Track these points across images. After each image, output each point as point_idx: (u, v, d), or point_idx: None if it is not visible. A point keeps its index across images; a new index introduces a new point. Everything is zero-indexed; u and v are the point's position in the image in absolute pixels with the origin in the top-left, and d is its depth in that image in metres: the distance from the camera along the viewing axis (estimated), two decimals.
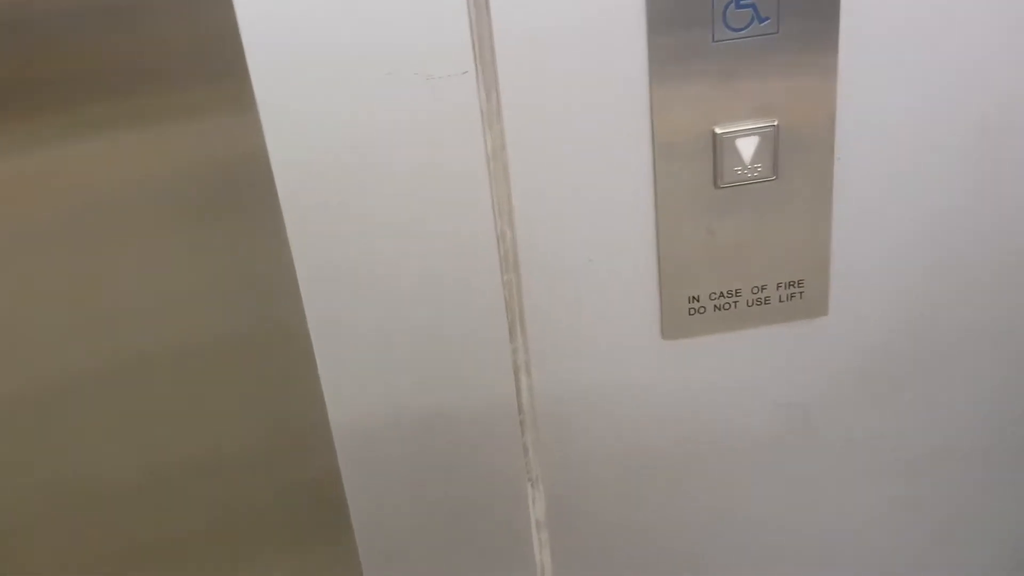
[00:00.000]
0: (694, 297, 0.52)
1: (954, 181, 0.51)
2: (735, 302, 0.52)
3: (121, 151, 0.45)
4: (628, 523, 0.58)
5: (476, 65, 0.44)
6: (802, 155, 0.48)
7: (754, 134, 0.47)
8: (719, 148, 0.48)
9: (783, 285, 0.52)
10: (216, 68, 0.44)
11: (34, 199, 0.46)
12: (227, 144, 0.46)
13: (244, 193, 0.47)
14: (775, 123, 0.47)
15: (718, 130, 0.47)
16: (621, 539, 0.58)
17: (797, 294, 0.52)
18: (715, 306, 0.52)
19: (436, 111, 0.45)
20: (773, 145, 0.48)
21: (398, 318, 0.49)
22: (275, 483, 0.54)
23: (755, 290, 0.52)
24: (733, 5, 0.45)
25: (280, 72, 0.43)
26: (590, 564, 0.59)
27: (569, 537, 0.57)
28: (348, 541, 0.55)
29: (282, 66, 0.43)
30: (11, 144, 0.44)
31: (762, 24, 0.45)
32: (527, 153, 0.47)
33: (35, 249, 0.47)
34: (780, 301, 0.52)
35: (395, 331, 0.50)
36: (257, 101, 0.43)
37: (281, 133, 0.44)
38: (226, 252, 0.48)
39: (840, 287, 0.52)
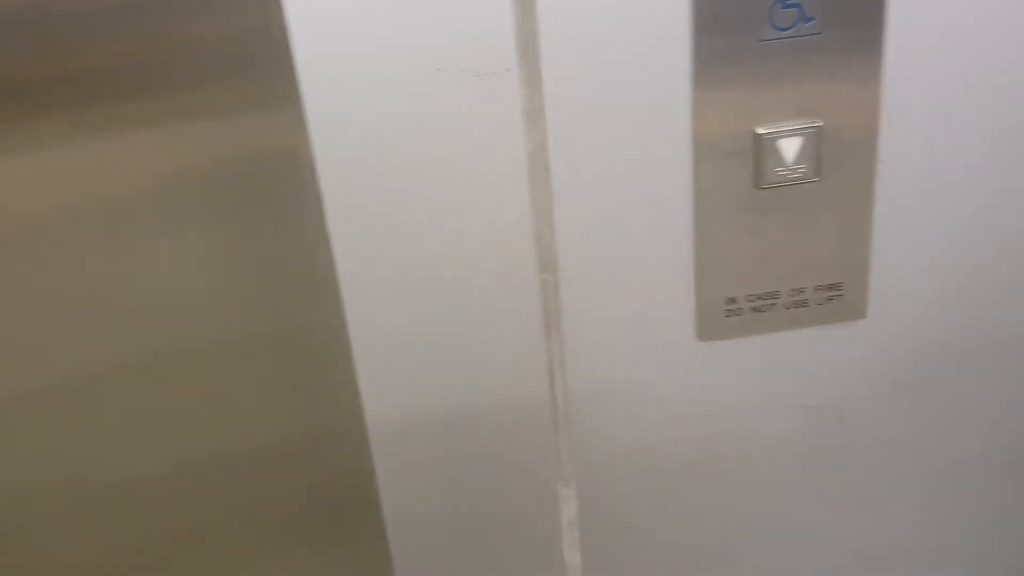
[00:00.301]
0: (731, 299, 0.51)
1: (998, 186, 0.50)
2: (773, 304, 0.52)
3: (162, 147, 0.45)
4: (660, 523, 0.58)
5: (520, 63, 0.44)
6: (845, 157, 0.48)
7: (797, 135, 0.47)
8: (760, 148, 0.47)
9: (822, 288, 0.51)
10: (254, 65, 0.44)
11: (72, 195, 0.46)
12: (266, 141, 0.46)
13: (283, 190, 0.46)
14: (820, 124, 0.47)
15: (759, 130, 0.47)
16: (652, 539, 0.58)
17: (836, 297, 0.52)
18: (752, 308, 0.51)
19: (479, 109, 0.45)
20: (816, 146, 0.47)
21: (435, 316, 0.49)
22: (309, 480, 0.54)
23: (793, 292, 0.51)
24: (779, 5, 0.44)
25: (327, 69, 0.43)
26: (621, 564, 0.58)
27: (601, 536, 0.57)
28: (380, 538, 0.55)
29: (329, 63, 0.43)
30: (40, 141, 0.44)
31: (807, 24, 0.45)
32: (567, 152, 0.47)
33: (78, 245, 0.47)
34: (818, 304, 0.52)
35: (432, 329, 0.50)
36: (303, 99, 0.43)
37: (327, 130, 0.44)
38: (263, 249, 0.48)
39: (879, 290, 0.52)
